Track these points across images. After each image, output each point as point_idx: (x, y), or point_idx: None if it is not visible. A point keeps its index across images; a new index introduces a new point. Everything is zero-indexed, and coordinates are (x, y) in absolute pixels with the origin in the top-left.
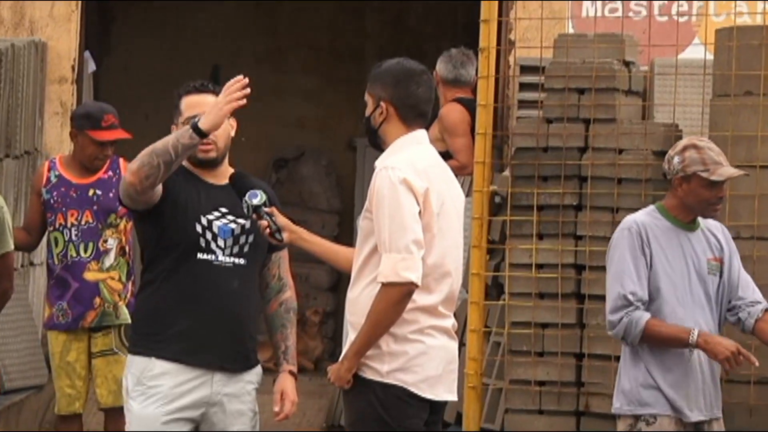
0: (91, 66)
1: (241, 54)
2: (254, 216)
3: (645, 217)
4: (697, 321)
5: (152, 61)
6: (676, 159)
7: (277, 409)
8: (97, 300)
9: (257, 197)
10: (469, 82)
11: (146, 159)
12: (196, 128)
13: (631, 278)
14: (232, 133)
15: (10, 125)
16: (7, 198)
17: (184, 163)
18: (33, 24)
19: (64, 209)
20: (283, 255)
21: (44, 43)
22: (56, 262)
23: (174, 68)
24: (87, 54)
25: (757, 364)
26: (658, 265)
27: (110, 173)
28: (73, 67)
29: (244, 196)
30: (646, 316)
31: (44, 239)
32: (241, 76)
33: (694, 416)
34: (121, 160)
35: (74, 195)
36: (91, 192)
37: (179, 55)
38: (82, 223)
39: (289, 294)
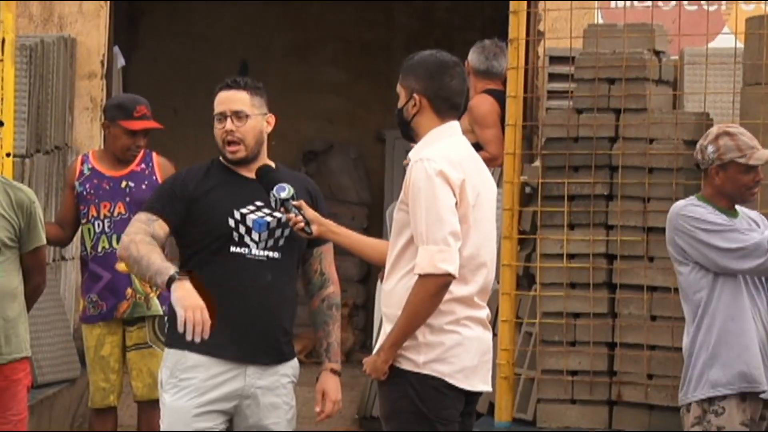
0: (120, 61)
1: (270, 48)
2: (282, 209)
3: (693, 201)
4: (754, 302)
5: (181, 56)
6: (710, 148)
7: (318, 409)
8: (129, 291)
9: (285, 191)
10: (500, 74)
11: (131, 259)
12: (168, 284)
13: (729, 222)
14: (268, 130)
15: (40, 121)
16: (38, 193)
17: (221, 159)
18: (62, 20)
19: (96, 201)
20: (325, 250)
21: (73, 38)
22: (89, 255)
23: (202, 63)
24: (116, 49)
25: None
26: None
27: (143, 165)
28: (102, 63)
29: (272, 190)
30: None
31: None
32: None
33: None
34: (154, 154)
35: (107, 187)
36: (123, 184)
37: (208, 50)
38: (115, 215)
39: (332, 289)
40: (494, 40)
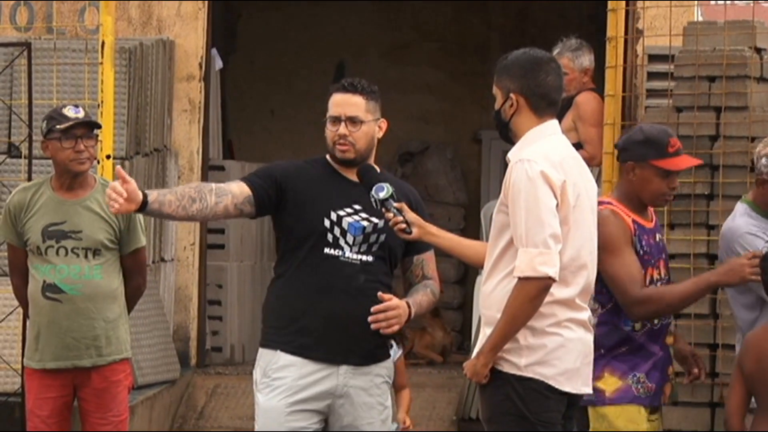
0: (218, 63)
1: (366, 48)
2: (383, 210)
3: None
4: None
5: (278, 57)
6: (763, 160)
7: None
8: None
9: (383, 191)
10: (584, 70)
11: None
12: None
13: None
14: (380, 135)
15: (140, 123)
16: None
17: (329, 158)
18: (161, 23)
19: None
20: (427, 257)
21: (172, 41)
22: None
23: (299, 64)
24: (214, 51)
25: None
26: None
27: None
28: (200, 65)
29: (371, 190)
30: None
31: None
32: None
33: None
34: None
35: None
36: (657, 237)
37: (305, 51)
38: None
39: (431, 281)
40: (576, 37)
